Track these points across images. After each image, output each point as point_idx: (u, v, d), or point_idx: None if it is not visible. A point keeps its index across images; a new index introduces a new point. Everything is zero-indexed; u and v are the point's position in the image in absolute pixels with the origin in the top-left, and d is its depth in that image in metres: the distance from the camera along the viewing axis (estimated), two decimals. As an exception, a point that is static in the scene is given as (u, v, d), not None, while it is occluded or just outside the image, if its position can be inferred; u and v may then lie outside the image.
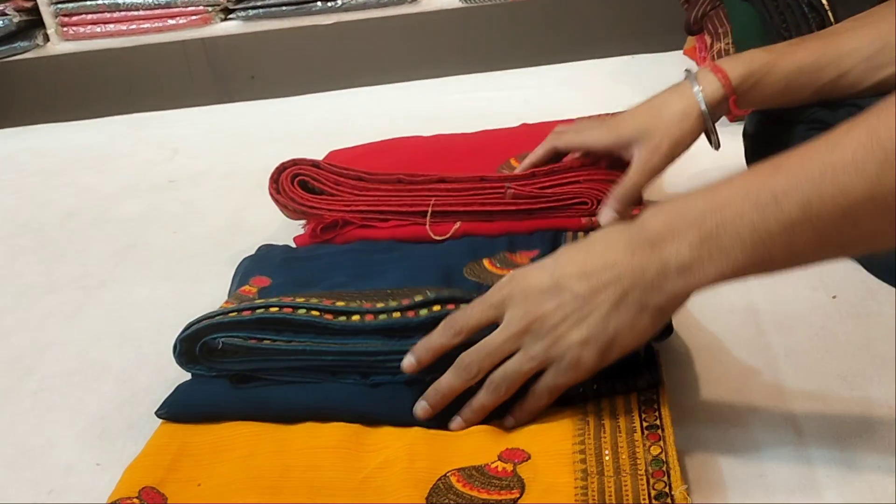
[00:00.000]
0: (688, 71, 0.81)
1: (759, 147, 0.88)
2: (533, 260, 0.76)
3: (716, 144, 0.81)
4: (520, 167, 0.88)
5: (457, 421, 0.61)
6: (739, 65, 0.77)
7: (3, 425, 0.73)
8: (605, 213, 0.80)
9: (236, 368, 0.66)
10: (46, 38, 1.83)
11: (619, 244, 0.56)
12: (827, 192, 0.48)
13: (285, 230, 0.95)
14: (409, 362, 0.62)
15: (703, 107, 0.77)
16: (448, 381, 0.60)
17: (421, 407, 0.61)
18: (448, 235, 0.84)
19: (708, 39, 1.17)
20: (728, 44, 1.08)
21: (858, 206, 0.48)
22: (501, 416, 0.61)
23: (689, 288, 0.54)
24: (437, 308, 0.65)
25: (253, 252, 0.86)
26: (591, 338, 0.56)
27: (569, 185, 0.84)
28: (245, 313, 0.66)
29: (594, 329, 0.56)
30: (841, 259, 0.71)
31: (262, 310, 0.66)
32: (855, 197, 0.47)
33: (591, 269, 0.56)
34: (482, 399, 0.60)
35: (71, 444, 0.70)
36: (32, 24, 1.83)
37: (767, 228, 0.50)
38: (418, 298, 0.65)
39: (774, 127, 0.85)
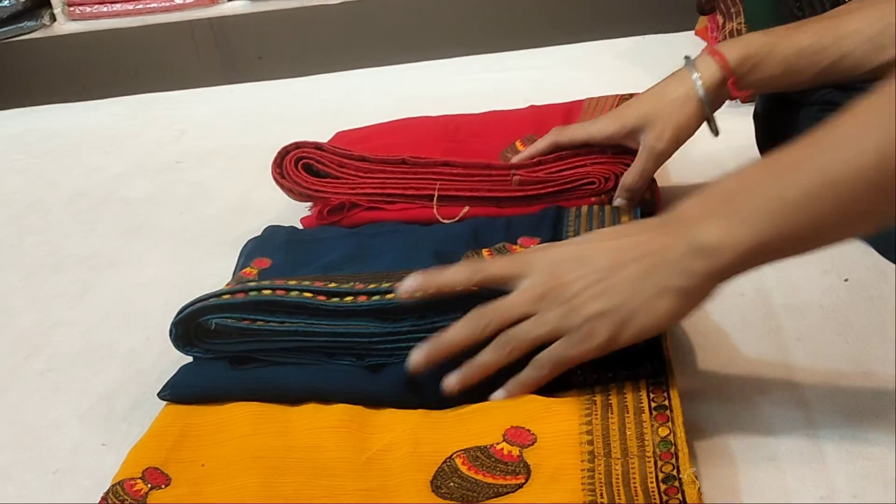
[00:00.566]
0: (687, 57, 0.81)
1: (769, 129, 0.87)
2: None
3: (714, 131, 0.82)
4: (523, 155, 0.87)
5: (452, 378, 0.59)
6: (737, 48, 0.77)
7: (10, 405, 0.73)
8: (616, 203, 0.81)
9: (231, 350, 0.66)
10: (53, 18, 1.82)
11: (650, 223, 0.58)
12: (842, 155, 0.49)
13: (292, 211, 0.94)
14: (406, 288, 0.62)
15: (701, 93, 0.77)
16: (458, 331, 0.59)
17: (416, 355, 0.60)
18: (457, 219, 0.84)
19: (720, 19, 1.15)
20: (741, 23, 1.07)
21: (875, 167, 0.47)
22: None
23: (713, 269, 0.53)
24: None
25: (259, 233, 0.86)
26: (608, 312, 0.55)
27: (576, 168, 0.83)
28: (238, 295, 0.66)
29: (612, 304, 0.55)
30: (868, 232, 0.71)
31: (254, 292, 0.66)
32: (870, 158, 0.47)
33: (618, 244, 0.56)
34: (486, 356, 0.59)
35: (77, 424, 0.70)
36: (38, 4, 1.83)
37: (789, 196, 0.50)
38: None
39: (784, 109, 0.84)
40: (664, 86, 0.81)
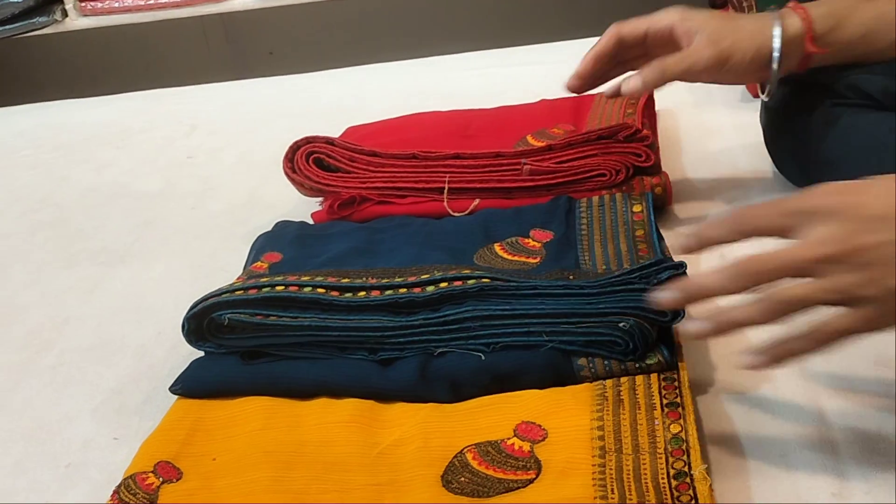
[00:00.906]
0: (773, 6, 0.79)
1: (780, 119, 0.86)
2: (546, 243, 0.75)
3: (768, 93, 0.79)
4: (581, 63, 0.83)
5: (755, 357, 0.52)
6: (821, 5, 0.75)
7: (22, 400, 0.74)
8: (630, 83, 0.76)
9: (244, 345, 0.66)
10: (65, 14, 1.83)
11: None
12: None
13: (303, 206, 0.94)
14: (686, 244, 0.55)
15: (778, 41, 0.73)
16: (717, 279, 0.52)
17: (665, 294, 0.54)
18: (467, 212, 0.84)
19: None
20: (752, 18, 1.06)
21: None
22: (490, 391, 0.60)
23: None
24: (443, 285, 0.64)
25: (270, 228, 0.86)
26: None
27: (586, 159, 0.83)
28: (251, 291, 0.66)
29: None
30: None
31: (267, 288, 0.66)
32: None
33: None
34: (743, 313, 0.51)
35: (88, 418, 0.70)
36: (50, 0, 1.83)
37: None
38: (425, 277, 0.65)
39: (796, 102, 0.83)
40: (741, 18, 0.78)
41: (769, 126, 0.88)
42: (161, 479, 0.57)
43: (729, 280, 0.51)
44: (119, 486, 0.57)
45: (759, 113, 0.92)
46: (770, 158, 0.88)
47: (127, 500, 0.56)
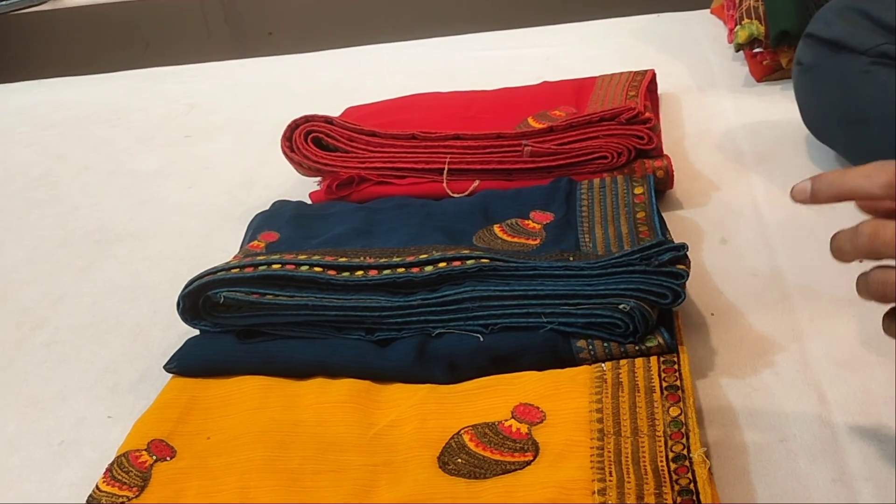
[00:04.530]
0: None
1: (813, 77, 0.84)
2: (546, 225, 0.74)
3: None
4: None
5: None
6: None
7: (16, 377, 0.73)
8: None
9: (240, 323, 0.66)
10: (63, -9, 1.81)
11: None
12: None
13: (301, 186, 0.94)
14: (803, 188, 0.48)
15: None
16: (866, 181, 0.46)
17: (802, 186, 0.48)
18: (467, 193, 0.83)
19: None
20: (757, 0, 1.05)
21: None
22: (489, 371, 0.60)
23: None
24: (442, 265, 0.64)
25: (267, 208, 0.85)
26: None
27: (588, 141, 0.82)
28: (247, 270, 0.65)
29: None
30: None
31: (264, 267, 0.65)
32: None
33: None
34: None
35: (82, 396, 0.69)
36: (49, -23, 1.81)
37: None
38: (423, 257, 0.64)
39: (833, 58, 0.82)
40: None
41: (802, 83, 0.86)
42: (154, 458, 0.57)
43: (879, 187, 0.45)
44: (112, 464, 0.56)
45: (762, 97, 0.91)
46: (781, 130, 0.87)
47: (120, 477, 0.55)
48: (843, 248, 0.48)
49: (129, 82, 1.46)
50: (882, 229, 0.46)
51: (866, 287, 0.48)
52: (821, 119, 0.84)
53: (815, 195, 0.48)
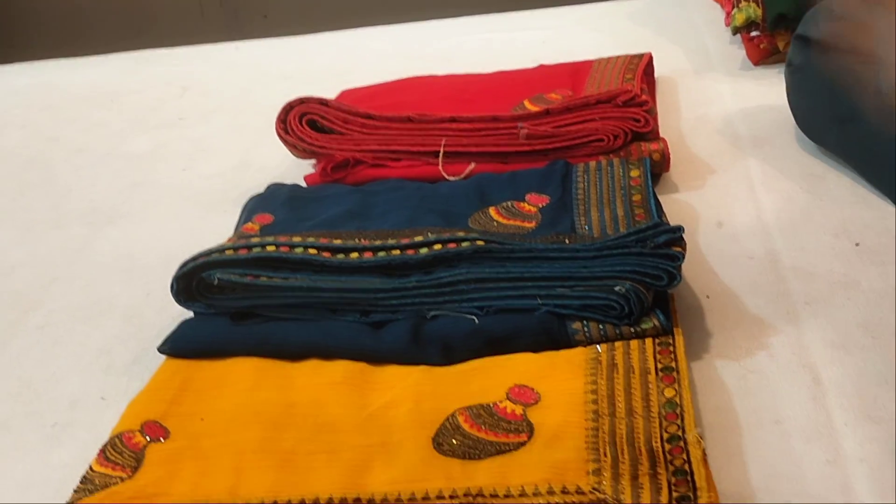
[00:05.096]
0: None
1: (803, 78, 0.85)
2: (542, 208, 0.74)
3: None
4: None
5: None
6: None
7: (9, 359, 0.73)
8: None
9: (234, 305, 0.65)
10: (56, -28, 1.79)
11: None
12: None
13: (296, 169, 0.93)
14: None
15: None
16: None
17: None
18: (462, 176, 0.82)
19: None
20: (755, -16, 1.05)
21: None
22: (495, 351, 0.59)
23: None
24: (437, 247, 0.63)
25: (262, 191, 0.85)
26: None
27: (584, 123, 0.82)
28: (242, 252, 0.65)
29: None
30: None
31: (258, 248, 0.65)
32: None
33: None
34: None
35: (76, 378, 0.69)
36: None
37: None
38: (418, 239, 0.64)
39: (822, 58, 0.82)
40: None
41: (793, 84, 0.87)
42: (148, 439, 0.56)
43: None
44: (105, 445, 0.56)
45: (758, 80, 0.91)
46: (779, 120, 0.87)
47: (113, 458, 0.55)
48: None
49: (123, 64, 1.45)
50: None
51: None
52: (812, 119, 0.85)
53: None
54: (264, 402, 0.58)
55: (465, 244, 0.63)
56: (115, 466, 0.54)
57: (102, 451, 0.56)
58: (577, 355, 0.58)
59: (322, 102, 0.88)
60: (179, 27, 1.88)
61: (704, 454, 0.49)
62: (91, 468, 0.55)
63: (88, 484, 0.53)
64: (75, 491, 0.53)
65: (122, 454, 0.55)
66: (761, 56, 1.05)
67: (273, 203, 0.80)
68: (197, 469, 0.53)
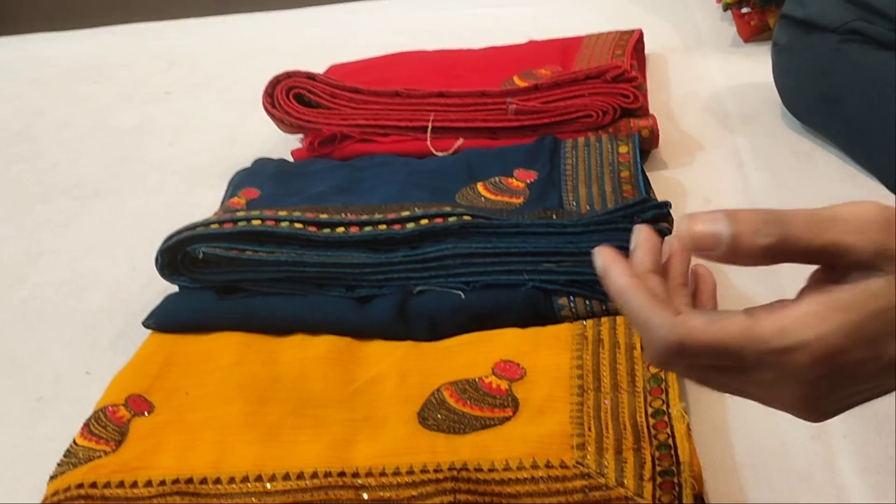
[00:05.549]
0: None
1: (789, 58, 0.85)
2: (530, 183, 0.73)
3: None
4: None
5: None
6: None
7: (-7, 333, 0.73)
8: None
9: (219, 279, 0.65)
10: (42, -55, 1.77)
11: None
12: None
13: (283, 144, 0.92)
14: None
15: None
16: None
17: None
18: (451, 151, 0.82)
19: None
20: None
21: None
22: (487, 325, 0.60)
23: None
24: (424, 222, 0.63)
25: (248, 165, 0.84)
26: None
27: (573, 99, 0.81)
28: (227, 225, 0.64)
29: None
30: None
31: (244, 223, 0.64)
32: None
33: None
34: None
35: (61, 352, 0.69)
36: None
37: None
38: (405, 213, 0.64)
39: (806, 38, 0.82)
40: None
41: (778, 64, 0.87)
42: (132, 413, 0.56)
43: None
44: (90, 419, 0.56)
45: (748, 57, 0.90)
46: (767, 99, 0.88)
47: (97, 432, 0.55)
48: None
49: (109, 38, 1.43)
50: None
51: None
52: (797, 98, 0.85)
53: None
54: (249, 377, 0.58)
55: (451, 219, 0.63)
56: (100, 440, 0.54)
57: (87, 424, 0.55)
58: (563, 331, 0.57)
59: (309, 76, 0.88)
60: (166, 0, 1.86)
61: (688, 429, 0.49)
62: (75, 442, 0.54)
63: (72, 457, 0.53)
64: (59, 464, 0.53)
65: (107, 428, 0.55)
66: (752, 33, 1.04)
67: (260, 177, 0.79)
68: (181, 443, 0.53)
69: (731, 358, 0.33)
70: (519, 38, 1.06)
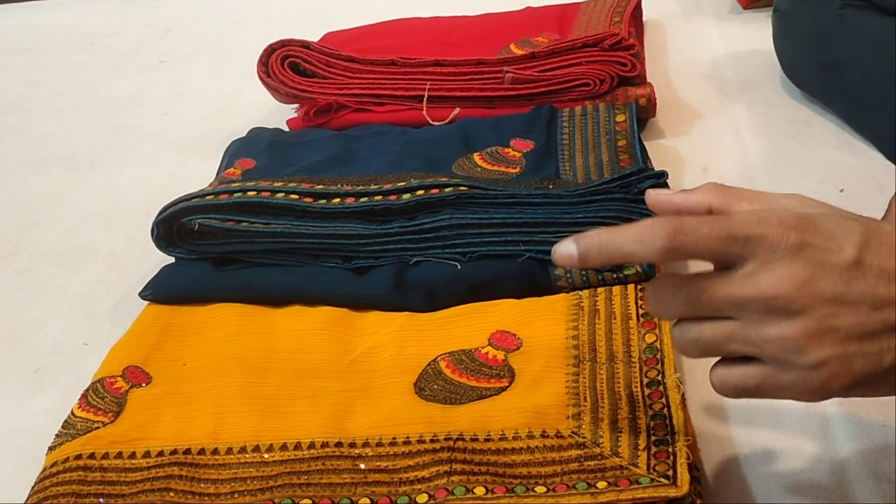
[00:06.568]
0: None
1: (789, 24, 0.84)
2: (527, 153, 0.73)
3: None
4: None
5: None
6: None
7: (-10, 304, 0.73)
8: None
9: (215, 251, 0.65)
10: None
11: None
12: None
13: (278, 113, 0.92)
14: (567, 252, 0.41)
15: None
16: (636, 250, 0.39)
17: (566, 249, 0.41)
18: (447, 121, 0.82)
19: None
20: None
21: None
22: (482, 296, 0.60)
23: None
24: (420, 192, 0.63)
25: (244, 135, 0.84)
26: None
27: (570, 68, 0.81)
28: (222, 197, 0.64)
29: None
30: None
31: (239, 193, 0.64)
32: None
33: None
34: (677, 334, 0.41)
35: (58, 323, 0.69)
36: None
37: None
38: (401, 184, 0.64)
39: (807, 3, 0.81)
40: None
41: (779, 30, 0.86)
42: (130, 384, 0.56)
43: (653, 298, 0.41)
44: (87, 390, 0.56)
45: (747, 24, 0.90)
46: (768, 64, 0.87)
47: (95, 403, 0.55)
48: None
49: (102, 6, 1.42)
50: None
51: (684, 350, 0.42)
52: (797, 65, 0.84)
53: (583, 260, 0.40)
54: (246, 348, 0.58)
55: (447, 190, 0.62)
56: (97, 411, 0.54)
57: (84, 395, 0.56)
58: (559, 301, 0.58)
59: (304, 45, 0.87)
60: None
61: (683, 399, 0.49)
62: (73, 413, 0.55)
63: (70, 429, 0.53)
64: (57, 435, 0.53)
65: (104, 399, 0.55)
66: (751, 0, 1.04)
67: (255, 148, 0.79)
68: (179, 414, 0.53)
69: (725, 241, 0.38)
70: (516, 5, 1.06)
